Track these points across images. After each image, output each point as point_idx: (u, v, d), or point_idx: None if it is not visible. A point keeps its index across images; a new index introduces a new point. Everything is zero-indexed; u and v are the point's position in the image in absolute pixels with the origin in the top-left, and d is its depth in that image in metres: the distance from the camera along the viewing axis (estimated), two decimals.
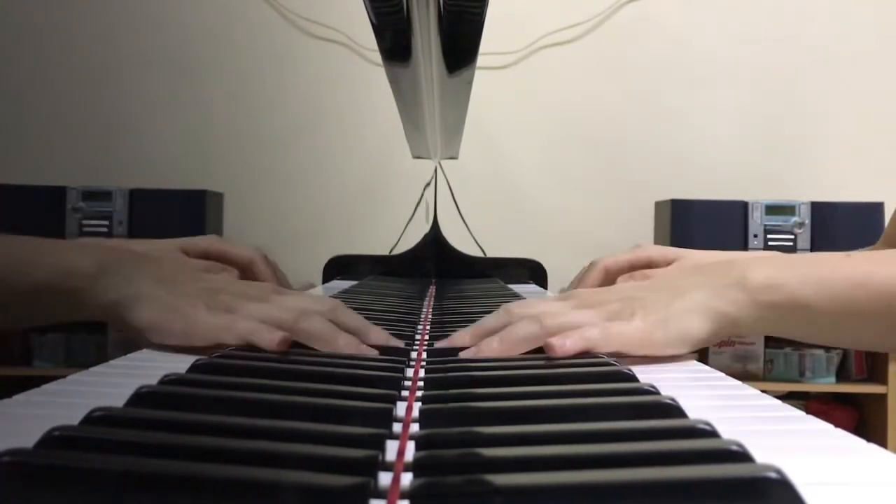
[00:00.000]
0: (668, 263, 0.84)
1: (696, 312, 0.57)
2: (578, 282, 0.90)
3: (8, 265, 0.57)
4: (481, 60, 0.75)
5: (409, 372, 0.50)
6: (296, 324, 0.56)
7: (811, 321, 0.59)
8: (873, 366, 2.20)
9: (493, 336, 0.56)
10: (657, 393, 0.40)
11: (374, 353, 0.55)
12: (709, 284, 0.59)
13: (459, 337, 0.58)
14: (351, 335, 0.56)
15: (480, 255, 1.62)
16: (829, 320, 0.58)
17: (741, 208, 2.20)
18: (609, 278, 0.87)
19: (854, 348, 0.63)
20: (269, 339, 0.54)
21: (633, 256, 0.88)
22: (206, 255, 0.80)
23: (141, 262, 0.60)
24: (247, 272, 0.82)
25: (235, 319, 0.56)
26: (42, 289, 0.57)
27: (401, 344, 0.58)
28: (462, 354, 0.56)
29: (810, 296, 0.57)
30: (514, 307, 0.60)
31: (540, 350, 0.57)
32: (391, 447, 0.32)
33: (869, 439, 0.35)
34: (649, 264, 0.86)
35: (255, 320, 0.56)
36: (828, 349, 2.18)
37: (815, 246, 2.17)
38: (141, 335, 0.58)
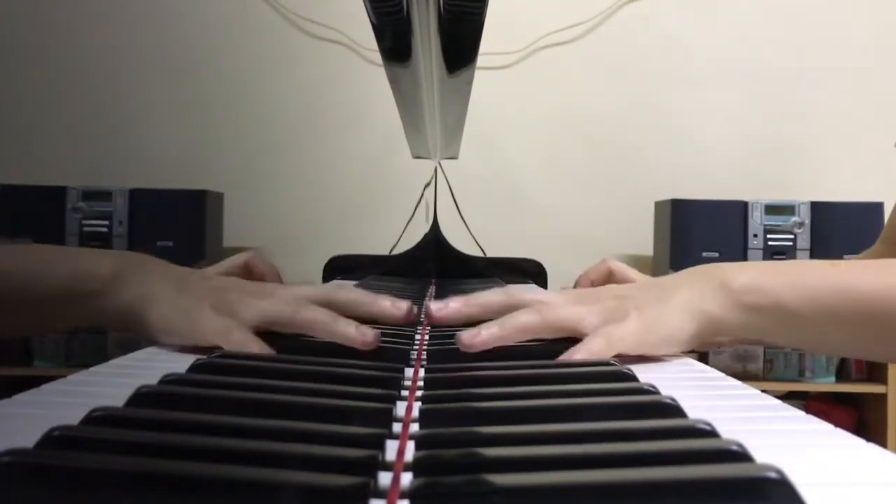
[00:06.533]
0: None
1: (682, 312, 0.59)
2: (585, 275, 0.90)
3: (26, 271, 0.59)
4: (481, 60, 0.75)
5: (409, 372, 0.50)
6: (294, 317, 0.58)
7: (795, 327, 0.59)
8: (873, 366, 2.20)
9: (494, 322, 0.58)
10: (657, 393, 0.40)
11: (372, 336, 0.56)
12: (694, 285, 0.60)
13: (455, 305, 0.60)
14: (349, 320, 0.58)
15: (480, 255, 1.62)
16: (812, 327, 0.59)
17: (741, 208, 2.20)
18: (611, 280, 0.87)
19: (839, 356, 0.63)
20: (260, 351, 0.56)
21: (640, 278, 0.85)
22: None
23: (153, 265, 0.62)
24: (246, 275, 0.82)
25: (231, 328, 0.57)
26: (59, 293, 0.59)
27: (405, 305, 0.60)
28: (462, 336, 0.57)
29: (793, 301, 0.58)
30: (515, 290, 0.61)
31: (538, 345, 0.57)
32: (391, 447, 0.32)
33: (869, 439, 0.35)
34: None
35: (246, 330, 0.57)
36: None
37: (815, 246, 2.17)
38: (153, 335, 0.60)
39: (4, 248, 0.60)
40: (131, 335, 0.62)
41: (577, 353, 0.56)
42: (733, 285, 0.59)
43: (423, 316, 0.71)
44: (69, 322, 0.62)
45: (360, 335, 0.57)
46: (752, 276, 0.59)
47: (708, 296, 0.59)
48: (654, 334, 0.58)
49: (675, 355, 0.60)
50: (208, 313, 0.58)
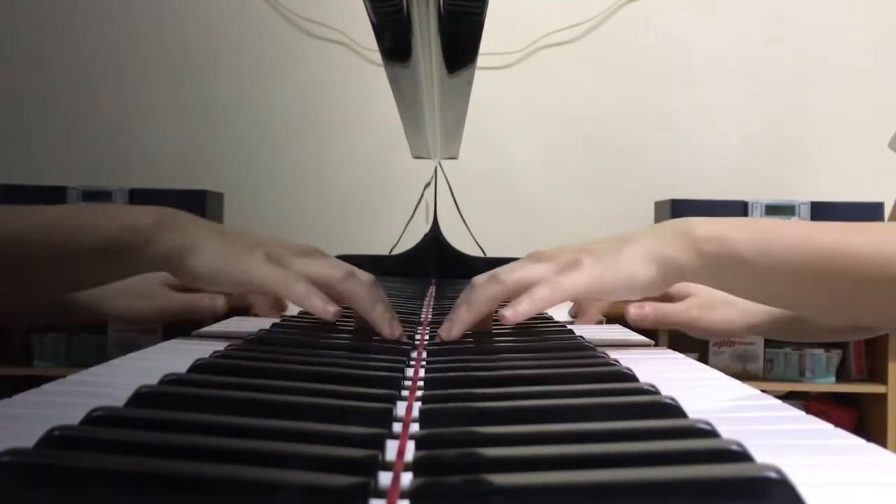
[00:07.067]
0: (681, 297, 0.83)
1: (643, 258, 0.60)
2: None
3: (73, 227, 0.60)
4: (481, 60, 0.75)
5: (409, 372, 0.51)
6: (342, 283, 0.60)
7: (751, 278, 0.61)
8: (873, 366, 2.20)
9: (461, 305, 0.60)
10: (657, 393, 0.40)
11: (399, 332, 0.59)
12: (656, 233, 0.62)
13: (445, 333, 0.61)
14: (387, 308, 0.60)
15: (480, 255, 1.62)
16: (767, 278, 0.60)
17: (741, 208, 2.20)
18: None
19: (795, 311, 0.66)
20: (324, 308, 0.57)
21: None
22: None
23: (194, 218, 0.64)
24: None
25: (291, 277, 0.59)
26: (106, 246, 0.60)
27: (405, 341, 0.60)
28: (439, 333, 0.59)
29: (749, 253, 0.60)
30: (478, 277, 0.63)
31: (541, 340, 0.57)
32: (391, 447, 0.32)
33: (869, 439, 0.35)
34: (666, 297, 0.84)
35: (308, 282, 0.58)
36: (827, 349, 2.18)
37: None
38: (195, 282, 0.61)
39: (51, 208, 0.61)
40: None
41: (520, 304, 0.58)
42: (695, 234, 0.60)
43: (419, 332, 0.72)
44: (114, 273, 0.63)
45: (389, 328, 0.59)
46: (714, 227, 0.61)
47: (669, 242, 0.61)
48: (610, 279, 0.60)
49: (636, 301, 0.62)
50: (261, 261, 0.59)
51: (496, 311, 0.63)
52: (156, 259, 0.60)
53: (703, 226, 0.61)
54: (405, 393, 0.44)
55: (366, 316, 0.60)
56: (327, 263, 0.62)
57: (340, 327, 0.65)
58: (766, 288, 0.62)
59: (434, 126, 1.12)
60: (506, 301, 0.61)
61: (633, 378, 0.45)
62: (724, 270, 0.61)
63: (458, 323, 0.59)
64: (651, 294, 0.62)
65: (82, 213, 0.62)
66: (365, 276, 0.63)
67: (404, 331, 0.64)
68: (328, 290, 0.60)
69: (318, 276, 0.60)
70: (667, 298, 0.82)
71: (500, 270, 0.62)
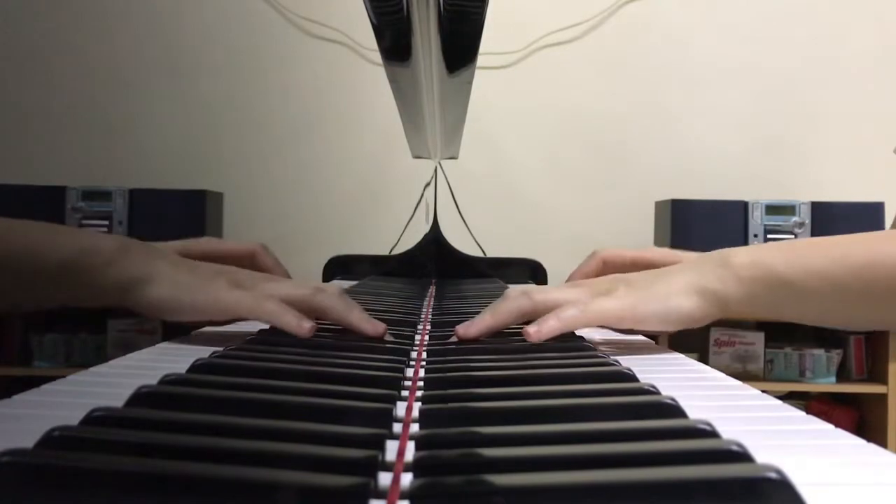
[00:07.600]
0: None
1: (682, 289, 0.60)
2: (577, 269, 0.91)
3: (32, 244, 0.58)
4: (481, 60, 0.75)
5: (409, 372, 0.50)
6: (313, 298, 0.60)
7: (796, 297, 0.61)
8: (873, 366, 2.20)
9: (486, 310, 0.60)
10: (657, 393, 0.40)
11: (383, 328, 0.59)
12: (694, 266, 0.62)
13: (462, 331, 0.61)
14: (362, 310, 0.60)
15: (480, 255, 1.62)
16: (812, 295, 0.60)
17: (741, 208, 2.20)
18: (607, 270, 0.88)
19: (843, 327, 0.67)
20: (298, 325, 0.56)
21: (637, 254, 0.88)
22: (205, 257, 0.81)
23: (156, 248, 0.63)
24: (251, 265, 0.83)
25: (259, 297, 0.58)
26: (64, 267, 0.58)
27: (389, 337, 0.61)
28: (457, 328, 0.60)
29: (790, 272, 0.60)
30: (513, 288, 0.64)
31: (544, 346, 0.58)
32: (391, 447, 0.32)
33: (869, 439, 0.35)
34: (651, 265, 0.86)
35: (277, 301, 0.58)
36: (828, 349, 2.19)
37: None
38: (157, 313, 0.60)
39: (11, 222, 0.60)
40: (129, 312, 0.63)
41: (548, 320, 0.57)
42: (733, 261, 0.61)
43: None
44: (70, 298, 0.62)
45: (372, 326, 0.59)
46: (752, 252, 0.61)
47: (709, 274, 0.61)
48: (643, 308, 0.59)
49: (670, 331, 0.62)
50: (227, 287, 0.59)
51: (520, 327, 0.63)
52: (113, 286, 0.59)
53: (740, 253, 0.61)
54: (405, 393, 0.44)
55: (344, 323, 0.60)
56: (292, 285, 0.62)
57: (339, 328, 0.65)
58: (812, 305, 0.62)
59: (434, 126, 1.12)
60: (531, 319, 0.61)
61: (634, 378, 0.45)
62: (768, 294, 0.60)
63: (479, 325, 0.59)
64: (689, 327, 0.62)
65: (43, 229, 0.60)
66: (333, 287, 0.63)
67: (404, 331, 0.64)
68: (300, 307, 0.59)
69: (287, 296, 0.59)
70: None
71: (535, 289, 0.62)
